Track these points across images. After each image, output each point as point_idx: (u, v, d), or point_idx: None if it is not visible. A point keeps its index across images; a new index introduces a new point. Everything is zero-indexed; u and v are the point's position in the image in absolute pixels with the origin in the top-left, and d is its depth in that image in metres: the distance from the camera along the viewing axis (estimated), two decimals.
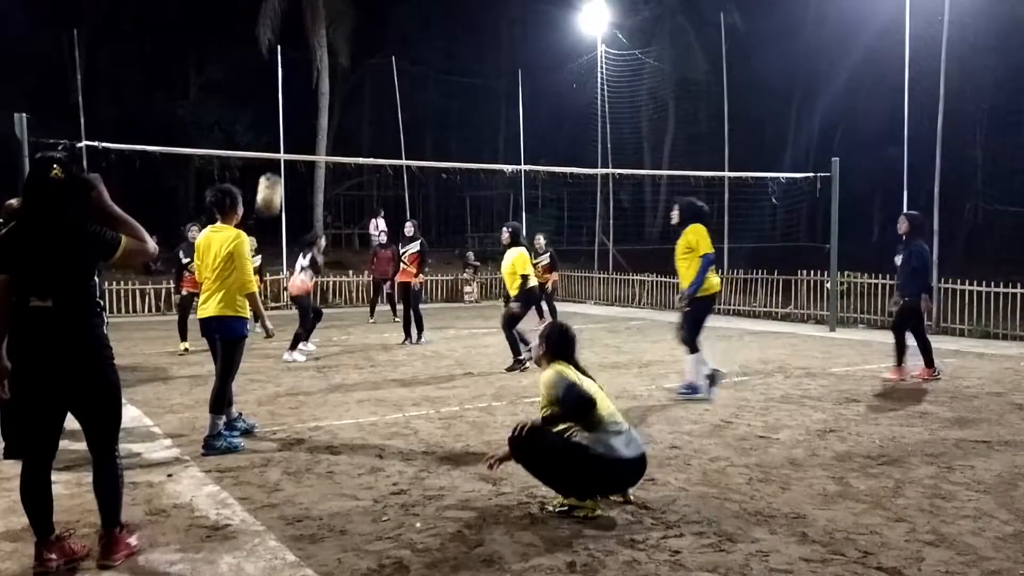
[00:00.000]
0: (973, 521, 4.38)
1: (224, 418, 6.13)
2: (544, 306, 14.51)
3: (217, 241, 6.08)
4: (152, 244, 3.88)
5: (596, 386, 4.71)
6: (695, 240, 7.81)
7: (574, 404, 4.46)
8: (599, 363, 10.23)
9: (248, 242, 6.15)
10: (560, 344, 4.80)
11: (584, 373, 4.76)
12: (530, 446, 4.50)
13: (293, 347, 10.69)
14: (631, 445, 4.51)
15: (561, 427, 4.50)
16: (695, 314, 7.81)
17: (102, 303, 3.90)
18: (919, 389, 8.42)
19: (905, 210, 11.82)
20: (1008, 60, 26.86)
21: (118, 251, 3.72)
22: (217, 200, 6.22)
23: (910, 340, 9.03)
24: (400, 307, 14.59)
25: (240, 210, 6.27)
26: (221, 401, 6.06)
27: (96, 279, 3.86)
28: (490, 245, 27.51)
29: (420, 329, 12.44)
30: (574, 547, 4.02)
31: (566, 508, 4.52)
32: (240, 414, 6.54)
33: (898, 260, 9.23)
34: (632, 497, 4.63)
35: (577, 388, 4.50)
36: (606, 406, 4.60)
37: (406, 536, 4.19)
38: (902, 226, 9.21)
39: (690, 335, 7.80)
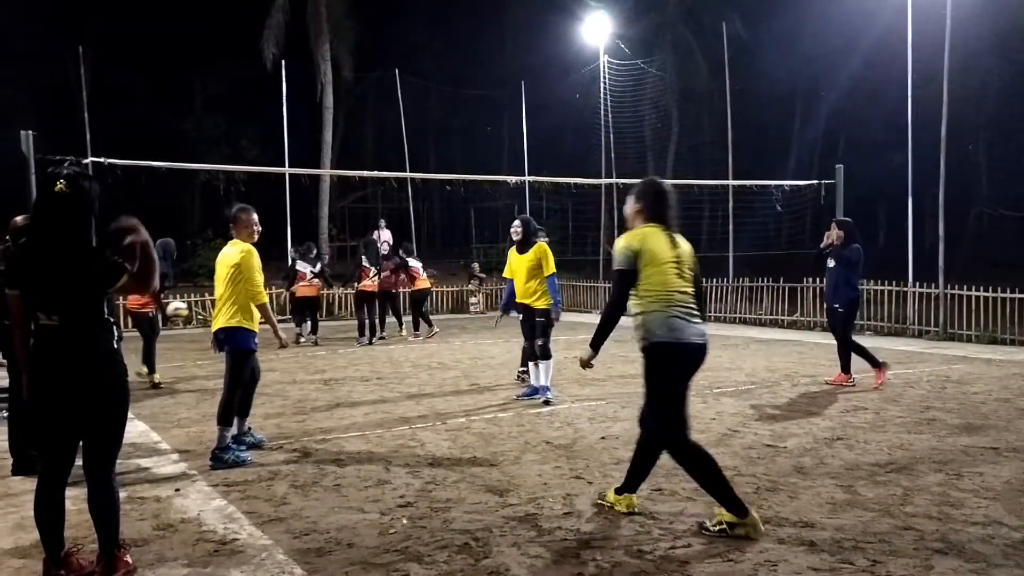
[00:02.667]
0: (982, 528, 4.36)
1: (232, 430, 6.16)
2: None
3: (228, 255, 6.21)
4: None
5: (671, 260, 4.45)
6: (543, 259, 8.39)
7: (615, 286, 4.51)
8: (606, 372, 10.22)
9: (256, 256, 6.21)
10: (656, 202, 4.58)
11: (671, 237, 4.52)
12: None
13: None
14: (692, 330, 4.39)
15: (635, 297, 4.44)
16: (551, 326, 8.48)
17: (113, 319, 3.81)
18: (922, 396, 8.40)
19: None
20: (1011, 64, 26.86)
21: (116, 283, 3.69)
22: (231, 217, 6.40)
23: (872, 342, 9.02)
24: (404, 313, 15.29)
25: (252, 226, 6.37)
26: (228, 413, 6.08)
27: (106, 295, 3.80)
28: (495, 256, 27.53)
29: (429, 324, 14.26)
30: (582, 558, 4.01)
31: (724, 527, 4.27)
32: (249, 428, 6.56)
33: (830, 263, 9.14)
34: None
35: (626, 276, 4.41)
36: (672, 282, 4.41)
37: (413, 548, 4.18)
38: (834, 234, 9.10)
39: (549, 344, 8.37)
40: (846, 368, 9.06)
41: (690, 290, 4.49)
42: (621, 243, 4.51)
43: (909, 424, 7.05)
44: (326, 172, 26.05)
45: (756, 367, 10.63)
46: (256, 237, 6.40)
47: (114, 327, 3.78)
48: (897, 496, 4.94)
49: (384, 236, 23.83)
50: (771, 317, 16.85)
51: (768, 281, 17.14)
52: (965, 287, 13.76)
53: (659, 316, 4.39)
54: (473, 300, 21.59)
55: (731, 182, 20.64)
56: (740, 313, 17.51)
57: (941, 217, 14.36)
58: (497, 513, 4.73)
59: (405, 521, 4.60)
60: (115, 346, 3.76)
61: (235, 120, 29.88)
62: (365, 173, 24.20)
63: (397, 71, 23.28)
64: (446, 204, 34.01)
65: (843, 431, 6.78)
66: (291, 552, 4.16)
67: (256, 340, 6.29)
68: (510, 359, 11.65)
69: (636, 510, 4.65)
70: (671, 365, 4.40)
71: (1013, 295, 13.21)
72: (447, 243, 34.16)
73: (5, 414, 6.83)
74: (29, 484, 5.46)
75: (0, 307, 5.84)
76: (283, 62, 21.60)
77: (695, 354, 4.43)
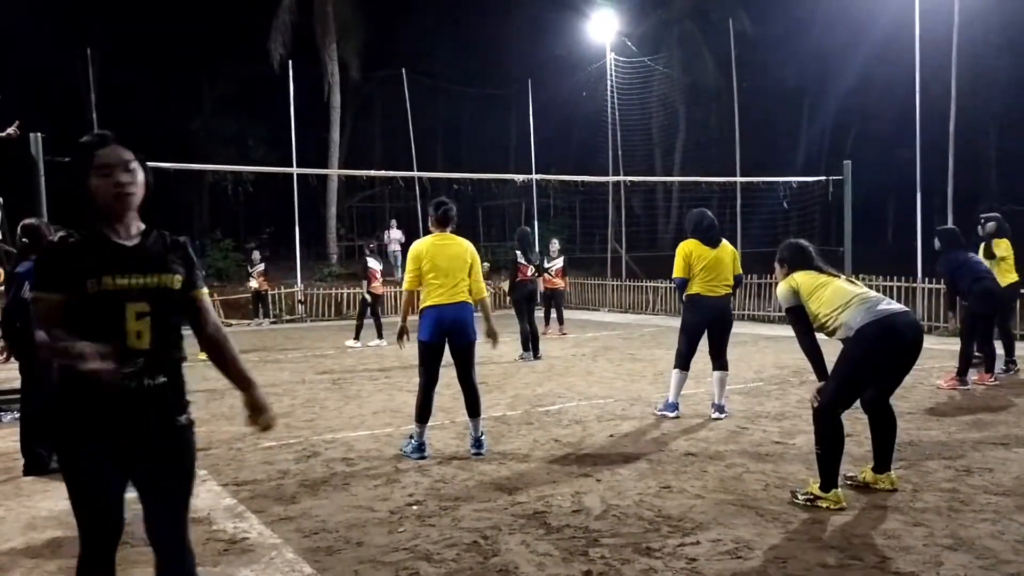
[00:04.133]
0: (992, 524, 4.35)
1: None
2: (552, 312, 14.60)
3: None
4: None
5: (832, 278, 5.01)
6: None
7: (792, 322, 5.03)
8: (614, 370, 10.22)
9: None
10: (796, 258, 5.15)
11: (822, 271, 5.07)
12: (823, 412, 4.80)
13: None
14: (896, 307, 4.83)
15: (821, 319, 4.86)
16: None
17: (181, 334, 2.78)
18: (931, 392, 8.37)
19: (920, 213, 11.63)
20: (1020, 59, 26.71)
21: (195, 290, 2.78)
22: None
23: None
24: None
25: None
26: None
27: None
28: (503, 255, 27.56)
29: None
30: (590, 556, 4.02)
31: (811, 498, 4.69)
32: None
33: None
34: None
35: (798, 312, 4.94)
36: (850, 291, 4.87)
37: (422, 547, 4.19)
38: None
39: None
40: (989, 368, 8.91)
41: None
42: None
43: (918, 420, 7.03)
44: (334, 172, 26.11)
45: (765, 364, 10.62)
46: None
47: (181, 347, 2.79)
48: (906, 492, 4.93)
49: (395, 236, 23.87)
50: (780, 314, 16.80)
51: (772, 278, 17.07)
52: None
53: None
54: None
55: (739, 179, 20.60)
56: (749, 310, 17.48)
57: (950, 212, 14.32)
58: (506, 511, 4.74)
59: (416, 507, 4.61)
60: (183, 378, 2.82)
61: (243, 120, 29.96)
62: (373, 172, 24.22)
63: (404, 70, 23.33)
64: (454, 202, 33.95)
65: (851, 427, 6.73)
66: (300, 551, 4.18)
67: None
68: (517, 361, 11.65)
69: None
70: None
71: (1023, 291, 13.12)
72: None
73: (16, 415, 6.89)
74: (40, 484, 5.51)
75: (15, 310, 5.90)
76: (290, 62, 21.67)
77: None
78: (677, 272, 7.36)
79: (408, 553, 4.12)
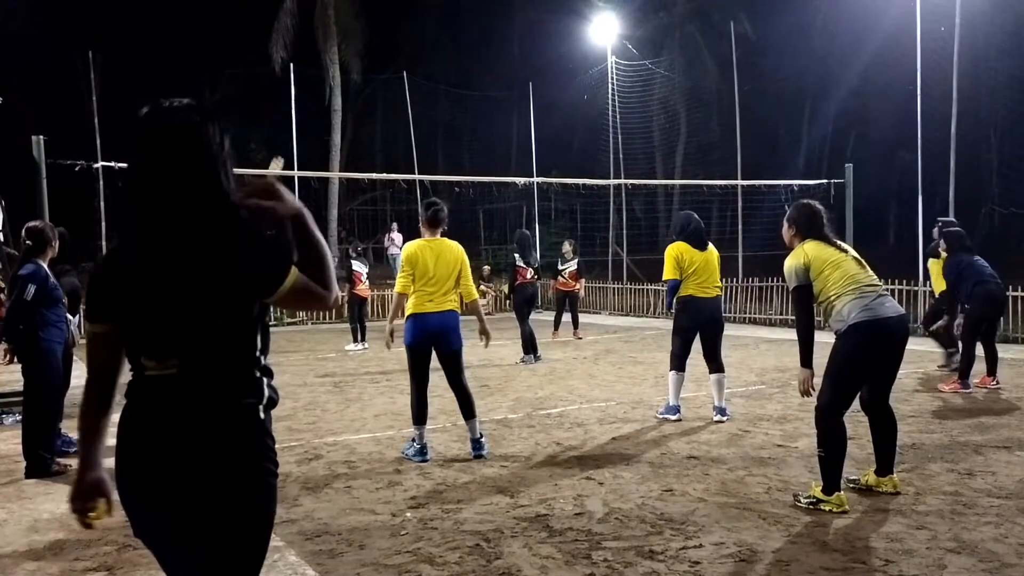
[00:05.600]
0: (995, 527, 4.34)
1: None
2: (567, 315, 14.51)
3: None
4: (335, 292, 2.17)
5: (842, 256, 4.89)
6: None
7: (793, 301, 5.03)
8: (616, 373, 10.22)
9: None
10: (805, 221, 5.02)
11: (832, 243, 4.95)
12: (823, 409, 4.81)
13: None
14: (883, 306, 4.75)
15: (821, 297, 4.86)
16: None
17: (266, 362, 2.17)
18: (934, 395, 8.36)
19: (921, 216, 11.60)
20: (1022, 61, 26.70)
21: (280, 287, 2.05)
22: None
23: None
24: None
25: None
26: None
27: (262, 319, 2.14)
28: (504, 257, 27.55)
29: None
30: (593, 559, 4.01)
31: (814, 502, 4.71)
32: None
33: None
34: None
35: (802, 292, 4.87)
36: (855, 277, 4.80)
37: (425, 550, 4.19)
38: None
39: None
40: (991, 371, 8.86)
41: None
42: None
43: (920, 423, 7.03)
44: (335, 175, 26.11)
45: (766, 367, 10.61)
46: None
47: (268, 381, 2.15)
48: (909, 495, 4.93)
49: (396, 239, 23.88)
50: (781, 317, 16.80)
51: (779, 281, 17.07)
52: None
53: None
54: (482, 301, 21.54)
55: (740, 182, 20.62)
56: (750, 313, 17.47)
57: (951, 215, 14.29)
58: (508, 514, 4.74)
59: (411, 517, 4.61)
60: (267, 418, 2.14)
61: (244, 123, 29.95)
62: (374, 175, 24.31)
63: (405, 73, 23.33)
64: (455, 205, 33.85)
65: (853, 431, 6.71)
66: (303, 554, 4.18)
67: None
68: (517, 363, 11.65)
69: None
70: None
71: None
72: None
73: (18, 417, 6.89)
74: (43, 487, 5.52)
75: (19, 313, 5.91)
76: (291, 65, 21.68)
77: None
78: (669, 274, 7.34)
79: (410, 556, 4.12)
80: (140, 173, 2.07)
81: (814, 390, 4.92)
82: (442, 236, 6.30)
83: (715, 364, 7.36)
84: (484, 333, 6.44)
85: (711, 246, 7.48)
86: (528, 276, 12.25)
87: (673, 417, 7.32)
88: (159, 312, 2.01)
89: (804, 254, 4.88)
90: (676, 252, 7.29)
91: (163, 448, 2.01)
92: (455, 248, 6.26)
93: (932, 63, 15.70)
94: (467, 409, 6.22)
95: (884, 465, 5.02)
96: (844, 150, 31.50)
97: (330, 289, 2.14)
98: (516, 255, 12.38)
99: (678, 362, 7.36)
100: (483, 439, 6.22)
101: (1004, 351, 11.79)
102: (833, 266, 4.81)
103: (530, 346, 11.60)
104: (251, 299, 2.06)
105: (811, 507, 4.69)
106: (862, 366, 4.78)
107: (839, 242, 5.02)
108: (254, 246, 2.04)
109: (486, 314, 19.59)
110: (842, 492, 4.71)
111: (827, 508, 4.64)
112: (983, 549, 4.04)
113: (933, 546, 4.10)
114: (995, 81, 27.13)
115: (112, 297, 2.06)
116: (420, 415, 6.13)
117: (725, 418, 7.23)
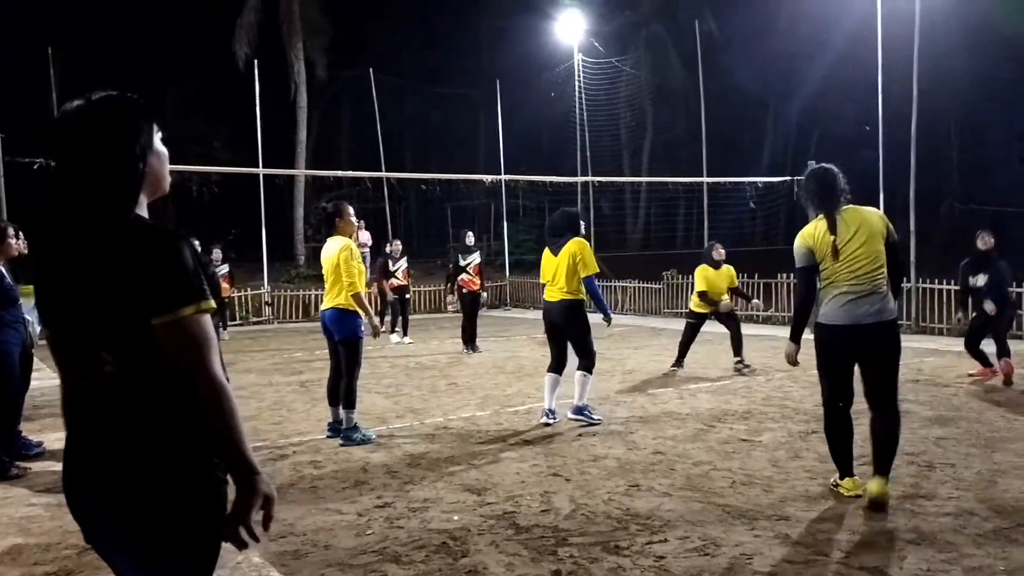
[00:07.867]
0: (954, 519, 4.42)
1: (354, 415, 6.63)
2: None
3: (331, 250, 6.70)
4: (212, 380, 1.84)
5: (849, 247, 4.67)
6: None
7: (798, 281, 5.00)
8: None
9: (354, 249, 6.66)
10: (817, 192, 4.84)
11: (844, 222, 4.73)
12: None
13: None
14: (852, 312, 4.65)
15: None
16: None
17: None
18: (905, 390, 8.48)
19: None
20: (980, 60, 27.21)
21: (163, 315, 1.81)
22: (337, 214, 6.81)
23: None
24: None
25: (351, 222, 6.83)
26: (352, 396, 6.60)
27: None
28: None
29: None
30: (559, 555, 4.02)
31: (834, 485, 4.95)
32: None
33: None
34: None
35: (803, 272, 4.85)
36: (849, 269, 4.67)
37: (391, 549, 4.18)
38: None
39: None
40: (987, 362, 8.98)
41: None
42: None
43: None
44: (300, 172, 25.93)
45: (732, 362, 10.69)
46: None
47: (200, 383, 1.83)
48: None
49: (363, 238, 23.70)
50: (746, 312, 16.96)
51: (743, 277, 17.23)
52: (936, 281, 13.91)
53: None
54: (450, 299, 21.52)
55: (705, 179, 20.79)
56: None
57: (912, 212, 14.53)
58: (475, 512, 4.74)
59: (381, 520, 4.60)
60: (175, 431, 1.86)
61: (207, 121, 29.62)
62: (340, 173, 24.11)
63: (372, 70, 23.18)
64: (422, 203, 33.90)
65: (818, 424, 6.79)
66: (267, 555, 4.14)
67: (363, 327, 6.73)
68: (486, 359, 11.67)
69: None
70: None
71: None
72: (423, 242, 34.06)
73: None
74: (2, 491, 5.41)
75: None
76: (256, 62, 21.44)
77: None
78: (595, 268, 7.15)
79: (376, 555, 4.10)
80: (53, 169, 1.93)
81: (797, 364, 5.09)
82: (339, 235, 6.74)
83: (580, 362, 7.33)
84: (370, 327, 6.89)
85: (565, 249, 7.16)
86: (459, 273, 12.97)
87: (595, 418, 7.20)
88: (60, 317, 1.91)
89: (812, 237, 4.77)
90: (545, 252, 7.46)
91: (77, 458, 1.90)
92: (333, 246, 6.71)
93: (893, 62, 15.92)
94: (334, 396, 6.84)
95: (877, 465, 4.81)
96: (807, 148, 31.88)
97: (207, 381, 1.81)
98: (459, 255, 12.96)
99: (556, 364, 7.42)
100: (342, 426, 6.65)
101: (963, 344, 12.03)
102: (837, 254, 4.69)
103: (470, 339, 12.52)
104: (133, 319, 1.79)
105: (833, 488, 4.92)
106: (832, 362, 4.84)
107: (859, 210, 4.80)
108: (139, 261, 1.79)
109: (456, 312, 19.33)
110: (855, 477, 4.87)
111: (842, 491, 4.85)
112: (942, 540, 4.11)
113: (893, 538, 4.16)
114: (955, 80, 27.61)
115: (39, 299, 1.96)
116: (334, 397, 6.84)
117: (579, 417, 7.16)
